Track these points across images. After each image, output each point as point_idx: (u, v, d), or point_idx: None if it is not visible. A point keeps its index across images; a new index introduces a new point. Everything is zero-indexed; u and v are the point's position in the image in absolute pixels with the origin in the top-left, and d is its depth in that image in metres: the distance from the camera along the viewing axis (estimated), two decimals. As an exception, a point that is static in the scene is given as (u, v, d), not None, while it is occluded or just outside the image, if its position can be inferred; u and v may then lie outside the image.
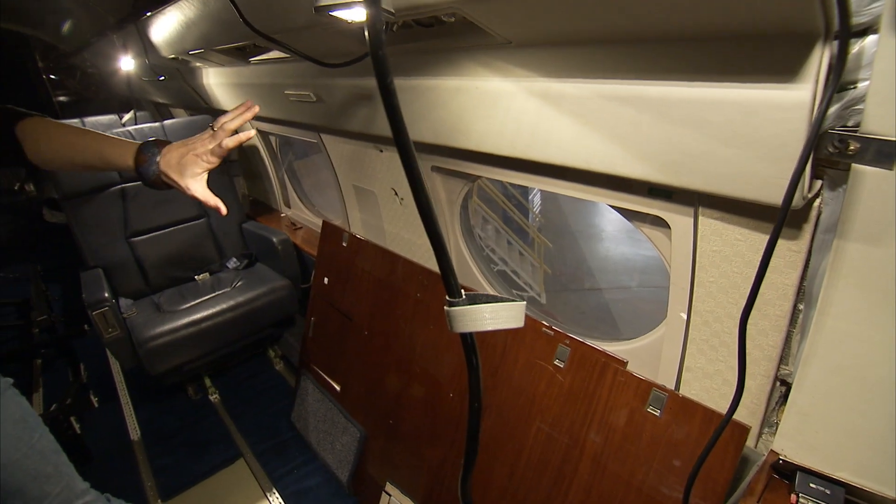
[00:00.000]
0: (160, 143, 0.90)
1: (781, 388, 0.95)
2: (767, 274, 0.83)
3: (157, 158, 0.88)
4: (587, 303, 5.25)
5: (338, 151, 1.97)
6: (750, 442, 0.99)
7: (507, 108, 1.02)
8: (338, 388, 2.03)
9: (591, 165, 0.94)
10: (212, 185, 2.12)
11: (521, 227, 5.43)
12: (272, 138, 2.62)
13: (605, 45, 0.79)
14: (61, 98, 5.80)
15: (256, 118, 2.44)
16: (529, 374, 1.32)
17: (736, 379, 0.70)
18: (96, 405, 2.20)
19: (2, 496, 1.02)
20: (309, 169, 3.26)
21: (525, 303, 0.35)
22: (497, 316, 0.34)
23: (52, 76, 5.73)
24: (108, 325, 2.01)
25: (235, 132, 0.90)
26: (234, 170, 2.67)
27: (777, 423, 0.97)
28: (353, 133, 1.71)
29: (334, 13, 0.66)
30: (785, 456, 0.82)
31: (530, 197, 6.22)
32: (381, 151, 1.68)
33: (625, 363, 1.12)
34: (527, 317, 1.35)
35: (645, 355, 1.20)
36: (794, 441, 0.80)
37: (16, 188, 4.41)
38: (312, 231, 2.56)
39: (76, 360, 2.72)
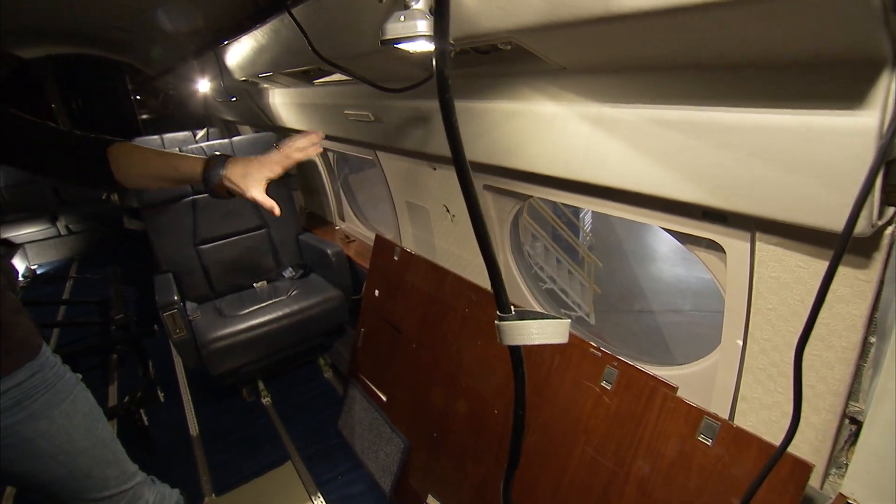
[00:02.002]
0: (227, 157, 1.00)
1: (851, 427, 0.90)
2: (832, 303, 0.80)
3: (222, 168, 0.98)
4: (638, 324, 5.09)
5: (392, 168, 2.05)
6: (815, 482, 0.94)
7: (561, 130, 1.04)
8: (384, 398, 2.08)
9: (643, 188, 0.94)
10: (271, 196, 2.27)
11: (571, 246, 5.35)
12: (330, 154, 2.75)
13: (660, 72, 0.80)
14: (144, 116, 6.33)
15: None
16: (576, 395, 1.31)
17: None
18: (162, 400, 2.36)
19: (75, 479, 1.12)
20: (363, 183, 3.39)
21: (569, 320, 0.37)
22: (543, 331, 0.36)
23: (138, 97, 6.28)
24: (176, 326, 2.16)
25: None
26: (292, 184, 2.82)
27: (846, 463, 0.91)
28: (408, 151, 1.77)
29: (399, 45, 0.71)
30: (855, 500, 0.77)
31: (581, 215, 6.13)
32: (435, 169, 1.73)
33: (675, 388, 1.09)
34: (574, 336, 1.35)
35: (697, 382, 1.16)
36: (865, 484, 0.76)
37: (102, 198, 4.84)
38: (365, 244, 2.65)
39: (146, 357, 2.92)
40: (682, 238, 1.15)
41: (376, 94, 1.55)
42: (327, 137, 2.44)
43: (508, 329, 0.36)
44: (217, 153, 1.03)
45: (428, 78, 0.99)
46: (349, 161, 3.02)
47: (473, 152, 1.36)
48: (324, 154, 2.76)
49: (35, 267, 4.85)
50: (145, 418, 2.43)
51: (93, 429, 1.14)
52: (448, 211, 1.80)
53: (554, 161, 1.11)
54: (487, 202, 1.63)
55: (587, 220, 6.31)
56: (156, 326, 3.27)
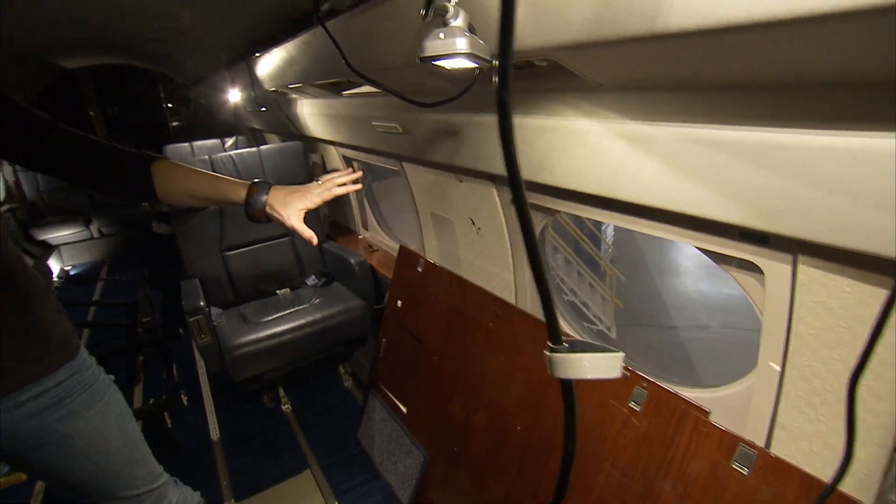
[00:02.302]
0: (270, 184, 1.03)
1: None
2: (884, 332, 0.76)
3: (265, 195, 1.02)
4: (660, 340, 4.98)
5: (418, 179, 2.06)
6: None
7: (594, 147, 1.02)
8: (404, 409, 2.07)
9: (678, 207, 0.92)
10: None
11: (593, 258, 5.29)
12: (355, 164, 2.78)
13: (700, 91, 0.78)
14: (175, 123, 6.51)
15: (342, 144, 2.60)
16: (602, 414, 1.28)
17: (842, 444, 0.64)
18: (186, 403, 2.39)
19: (107, 478, 1.14)
20: (386, 191, 3.41)
21: (622, 354, 0.36)
22: (596, 365, 0.35)
23: (169, 105, 6.46)
24: (201, 331, 2.19)
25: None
26: (318, 192, 2.85)
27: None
28: (435, 163, 1.77)
29: (437, 62, 0.71)
30: (900, 537, 0.73)
31: (603, 227, 6.06)
32: (461, 182, 1.73)
33: (707, 413, 1.05)
34: None
35: (730, 406, 1.13)
36: (911, 521, 0.72)
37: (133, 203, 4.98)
38: (388, 254, 2.66)
39: (170, 360, 2.98)
40: (716, 257, 1.12)
41: (405, 107, 1.56)
42: (353, 147, 2.47)
43: (560, 361, 0.35)
44: (259, 180, 1.06)
45: (462, 93, 0.98)
46: (374, 170, 3.04)
47: (501, 166, 1.36)
48: (349, 163, 2.79)
49: (69, 268, 5.00)
50: (169, 421, 2.46)
51: (124, 429, 1.17)
52: (473, 224, 1.79)
53: (586, 177, 1.09)
54: (514, 216, 1.61)
55: (609, 233, 6.24)
56: (181, 330, 3.33)
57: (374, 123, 1.85)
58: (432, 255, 2.18)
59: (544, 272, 0.36)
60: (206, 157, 2.56)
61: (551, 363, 0.36)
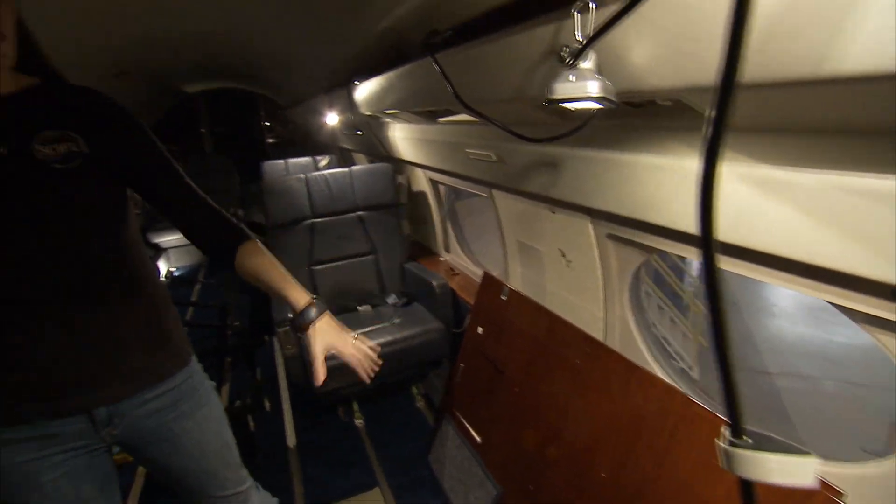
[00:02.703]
0: (325, 310, 1.12)
1: None
2: None
3: (316, 317, 1.09)
4: (751, 386, 4.55)
5: (506, 207, 2.04)
6: None
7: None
8: (479, 439, 2.03)
9: (817, 259, 0.83)
10: (381, 225, 2.38)
11: (676, 291, 4.98)
12: (441, 188, 2.82)
13: (856, 136, 0.70)
14: (270, 140, 7.01)
15: (430, 168, 2.65)
16: (703, 475, 1.18)
17: None
18: (268, 409, 2.50)
19: (206, 476, 1.21)
20: (469, 209, 3.39)
21: (817, 459, 0.31)
22: (786, 469, 0.30)
23: (267, 123, 6.99)
24: (288, 342, 2.29)
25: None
26: (401, 213, 2.92)
27: None
28: (527, 192, 1.75)
29: (565, 104, 0.69)
30: None
31: (687, 259, 5.71)
32: (554, 212, 1.69)
33: (841, 494, 0.93)
34: (703, 410, 1.22)
35: (871, 489, 0.98)
36: None
37: (230, 212, 5.39)
38: (469, 278, 2.66)
39: (255, 365, 3.14)
40: (852, 314, 0.99)
41: (502, 136, 1.55)
42: (440, 171, 2.51)
43: (741, 458, 0.31)
44: (318, 298, 1.12)
45: (577, 129, 0.96)
46: (458, 190, 3.07)
47: (602, 201, 1.31)
48: (434, 186, 2.84)
49: (173, 269, 5.47)
50: (252, 424, 2.59)
51: (221, 432, 1.24)
52: (563, 255, 1.74)
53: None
54: (608, 251, 1.55)
55: (695, 265, 5.86)
56: (266, 337, 3.52)
57: (467, 151, 1.86)
58: (516, 282, 2.15)
59: (728, 346, 0.32)
60: (302, 175, 2.71)
61: (730, 459, 0.32)
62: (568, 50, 0.67)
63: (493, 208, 2.17)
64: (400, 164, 3.01)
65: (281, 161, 4.41)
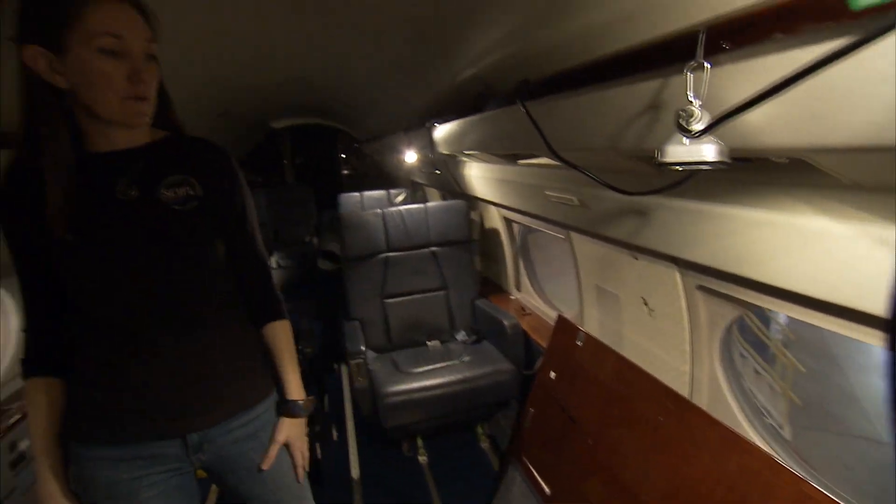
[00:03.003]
0: (307, 413, 1.19)
1: None
2: None
3: (296, 412, 1.17)
4: (855, 454, 4.03)
5: (585, 250, 1.99)
6: None
7: (830, 250, 0.88)
8: (548, 490, 1.94)
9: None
10: (453, 261, 2.40)
11: (761, 338, 4.58)
12: (514, 225, 2.81)
13: None
14: (344, 172, 7.37)
15: (504, 206, 2.66)
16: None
17: None
18: (335, 438, 2.54)
19: None
20: (540, 243, 3.31)
21: None
22: None
23: (342, 155, 7.37)
24: (359, 374, 2.34)
25: None
26: (473, 249, 2.93)
27: None
28: (609, 238, 1.70)
29: (676, 167, 0.67)
30: None
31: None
32: (636, 259, 1.63)
33: None
34: (790, 474, 1.08)
35: None
36: None
37: (305, 240, 5.67)
38: (541, 319, 2.60)
39: (324, 393, 3.22)
40: None
41: (584, 182, 1.54)
42: (515, 210, 2.51)
43: None
44: (307, 401, 1.20)
45: (675, 184, 0.93)
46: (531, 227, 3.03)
47: (697, 253, 1.25)
48: (508, 223, 2.84)
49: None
50: (319, 452, 2.63)
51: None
52: (646, 304, 1.66)
53: (813, 282, 0.94)
54: (697, 302, 1.46)
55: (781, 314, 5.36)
56: (335, 365, 3.61)
57: (547, 193, 1.85)
58: (592, 327, 2.07)
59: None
60: (379, 210, 2.80)
61: None
62: (684, 114, 0.65)
63: (570, 250, 2.13)
64: (473, 201, 3.05)
65: (356, 193, 4.60)
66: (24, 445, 1.94)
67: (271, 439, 1.14)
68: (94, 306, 0.97)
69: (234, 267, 1.13)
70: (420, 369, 2.45)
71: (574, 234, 2.04)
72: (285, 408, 1.16)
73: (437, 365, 2.47)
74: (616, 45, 0.90)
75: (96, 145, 0.93)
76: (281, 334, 1.18)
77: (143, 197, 0.96)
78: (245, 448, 1.13)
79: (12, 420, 1.90)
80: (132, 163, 0.95)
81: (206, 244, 1.04)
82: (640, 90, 0.87)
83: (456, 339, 2.74)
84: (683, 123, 0.64)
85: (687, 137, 0.64)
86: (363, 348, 2.37)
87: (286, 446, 1.17)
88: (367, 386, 2.37)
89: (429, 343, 2.75)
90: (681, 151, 0.64)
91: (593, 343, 1.89)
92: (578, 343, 1.99)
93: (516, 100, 1.24)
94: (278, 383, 1.19)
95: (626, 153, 1.09)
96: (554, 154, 1.16)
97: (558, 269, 3.30)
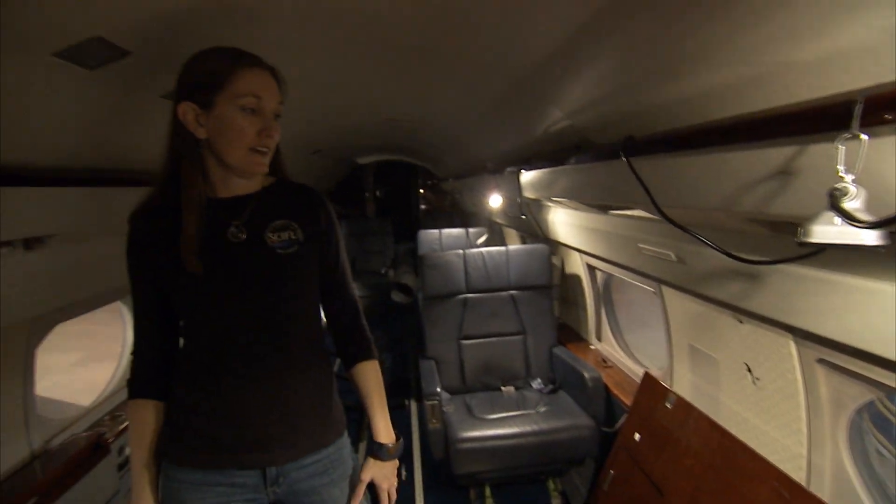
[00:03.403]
0: (396, 457, 1.18)
1: None
2: None
3: (387, 459, 1.16)
4: None
5: (678, 305, 1.89)
6: None
7: None
8: (630, 565, 1.79)
9: None
10: (532, 305, 2.39)
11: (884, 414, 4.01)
12: (598, 273, 2.73)
13: None
14: (422, 207, 7.58)
15: (588, 253, 2.59)
16: None
17: None
18: (404, 479, 2.51)
19: None
20: (620, 287, 3.14)
21: None
22: None
23: (421, 191, 7.60)
24: (433, 415, 2.32)
25: None
26: (553, 294, 2.87)
27: None
28: (709, 297, 1.60)
29: (821, 243, 0.62)
30: None
31: None
32: (741, 322, 1.52)
33: None
34: None
35: None
36: None
37: (382, 272, 5.84)
38: (623, 373, 2.47)
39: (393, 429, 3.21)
40: None
41: (683, 237, 1.47)
42: (602, 258, 2.43)
43: None
44: (398, 446, 1.18)
45: (806, 255, 0.86)
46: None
47: (816, 323, 1.14)
48: (591, 270, 2.76)
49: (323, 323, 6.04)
50: (386, 490, 2.61)
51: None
52: (750, 371, 1.53)
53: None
54: (817, 379, 1.32)
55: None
56: (405, 401, 3.62)
57: (640, 245, 1.79)
58: (682, 389, 1.93)
59: None
60: (460, 251, 2.83)
61: None
62: (838, 192, 0.60)
63: (661, 304, 2.02)
64: (554, 245, 3.00)
65: (435, 231, 4.70)
66: (129, 451, 2.11)
67: (357, 478, 1.16)
68: (201, 337, 1.06)
69: (327, 308, 1.18)
70: (494, 416, 2.39)
71: (666, 289, 1.94)
72: (373, 450, 1.17)
73: (512, 413, 2.40)
74: (740, 109, 0.87)
75: (217, 191, 1.04)
76: (371, 374, 1.20)
77: (251, 240, 1.04)
78: (316, 484, 1.14)
79: (122, 426, 2.08)
80: (244, 208, 1.05)
81: (305, 285, 1.10)
82: (769, 155, 0.82)
83: (531, 387, 2.66)
84: (838, 202, 0.59)
85: (842, 219, 0.59)
86: (438, 389, 2.36)
87: (370, 487, 1.17)
88: (441, 429, 2.34)
89: (503, 388, 2.69)
90: (831, 232, 0.59)
91: (686, 407, 1.76)
92: (668, 405, 1.86)
93: (620, 155, 1.22)
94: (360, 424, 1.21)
95: (742, 216, 1.03)
96: (660, 213, 1.12)
97: (638, 316, 3.13)
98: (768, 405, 1.48)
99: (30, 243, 1.33)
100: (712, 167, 0.98)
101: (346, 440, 1.21)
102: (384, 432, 1.17)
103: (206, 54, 0.97)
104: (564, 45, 1.18)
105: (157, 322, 1.08)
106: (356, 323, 1.21)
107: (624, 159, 1.21)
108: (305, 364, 1.11)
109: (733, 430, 1.53)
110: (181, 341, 1.11)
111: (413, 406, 3.60)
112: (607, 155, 1.41)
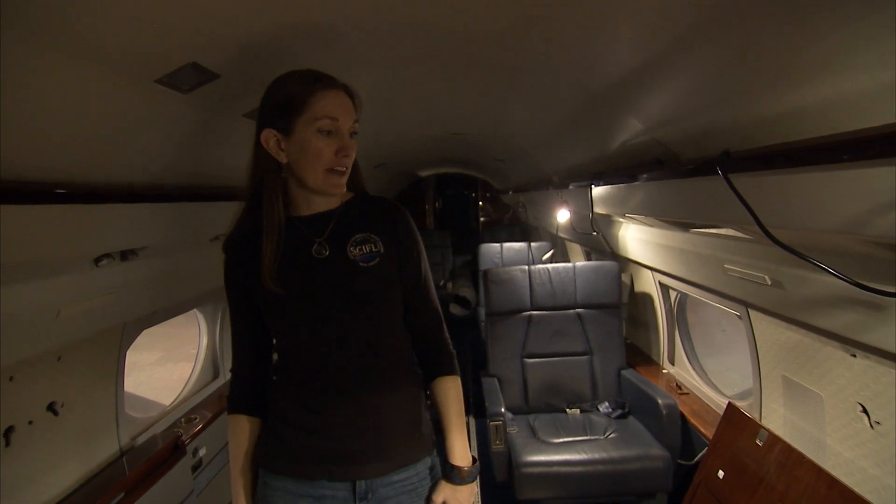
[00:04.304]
0: (468, 484, 1.12)
1: None
2: None
3: (460, 483, 1.11)
4: None
5: (769, 332, 1.72)
6: None
7: None
8: None
9: None
10: (600, 325, 2.61)
11: None
12: (672, 293, 2.57)
13: None
14: (482, 218, 7.56)
15: (661, 271, 2.44)
16: None
17: None
18: (478, 504, 2.44)
19: None
20: (692, 306, 2.92)
21: None
22: None
23: (481, 203, 7.58)
24: (497, 436, 2.25)
25: None
26: (622, 314, 2.72)
27: None
28: (811, 326, 1.45)
29: None
30: None
31: None
32: (853, 356, 1.35)
33: None
34: None
35: None
36: None
37: (441, 283, 5.85)
38: (701, 401, 2.30)
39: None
40: None
41: (782, 259, 1.33)
42: (678, 278, 2.28)
43: None
44: (474, 469, 1.12)
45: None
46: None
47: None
48: (664, 290, 2.60)
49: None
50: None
51: None
52: (865, 413, 1.35)
53: None
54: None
55: None
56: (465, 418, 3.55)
57: (726, 266, 1.65)
58: (773, 424, 1.75)
59: None
60: (525, 267, 2.76)
61: None
62: None
63: (747, 329, 1.86)
64: (623, 262, 2.86)
65: (496, 245, 4.64)
66: (202, 453, 2.20)
67: (429, 498, 1.12)
68: (295, 353, 1.08)
69: (409, 320, 1.16)
70: (559, 440, 2.28)
71: (756, 314, 1.78)
72: (446, 472, 1.12)
73: (579, 438, 2.28)
74: (876, 120, 0.76)
75: (299, 210, 1.07)
76: (451, 391, 1.16)
77: (334, 255, 1.06)
78: (403, 500, 1.12)
79: (197, 428, 2.17)
80: (326, 224, 1.07)
81: (389, 297, 1.10)
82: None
83: (598, 411, 2.52)
84: None
85: None
86: (503, 410, 2.28)
87: None
88: (505, 451, 2.26)
89: (568, 411, 2.57)
90: None
91: (781, 448, 1.59)
92: (758, 442, 1.70)
93: (716, 170, 1.12)
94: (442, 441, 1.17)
95: (871, 239, 0.91)
96: (767, 234, 1.02)
97: (700, 337, 2.88)
98: (892, 454, 1.29)
99: (125, 255, 1.42)
100: (837, 185, 0.87)
101: (435, 459, 1.18)
102: (460, 453, 1.12)
103: (284, 80, 1.00)
104: (653, 57, 1.11)
105: (253, 343, 1.12)
106: (439, 336, 1.18)
107: (720, 175, 1.11)
108: (395, 377, 1.10)
109: (846, 481, 1.35)
110: (275, 356, 1.15)
111: (472, 422, 3.53)
112: (696, 170, 1.31)
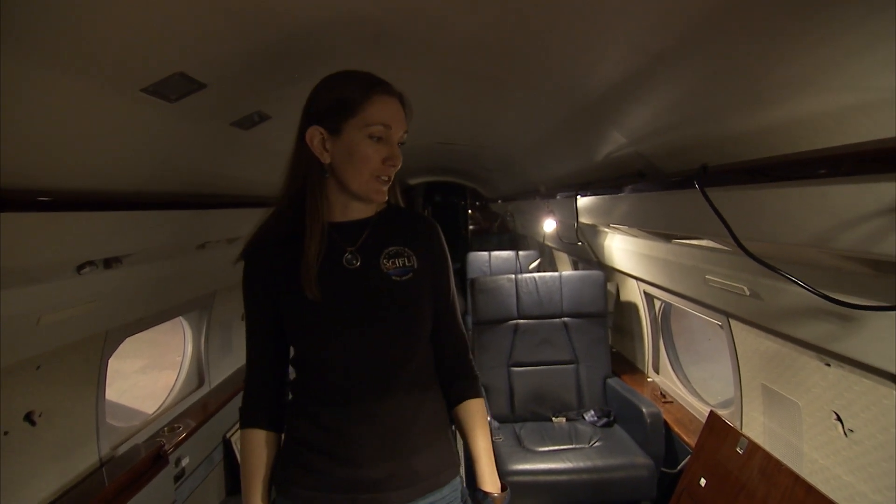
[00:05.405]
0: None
1: None
2: None
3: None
4: None
5: (749, 341, 1.75)
6: None
7: None
8: None
9: None
10: (585, 334, 2.70)
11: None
12: (657, 302, 2.60)
13: None
14: (470, 227, 7.59)
15: (646, 281, 2.48)
16: None
17: None
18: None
19: None
20: (676, 315, 2.96)
21: None
22: None
23: (469, 211, 7.61)
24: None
25: None
26: (607, 322, 2.75)
27: None
28: (789, 336, 1.48)
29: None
30: None
31: None
32: (829, 365, 1.38)
33: None
34: None
35: None
36: None
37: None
38: (685, 409, 2.32)
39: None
40: None
41: (758, 270, 1.36)
42: (662, 288, 2.32)
43: None
44: (504, 497, 1.06)
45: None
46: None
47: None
48: (649, 299, 2.63)
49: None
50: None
51: None
52: (839, 421, 1.38)
53: None
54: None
55: None
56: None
57: (707, 277, 1.68)
58: (753, 432, 1.78)
59: None
60: (512, 276, 2.78)
61: None
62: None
63: (727, 338, 1.89)
64: (609, 271, 2.90)
65: (484, 253, 4.66)
66: (185, 462, 2.17)
67: None
68: (316, 366, 1.01)
69: (437, 339, 1.10)
70: (545, 448, 2.29)
71: (736, 324, 1.81)
72: (478, 499, 1.06)
73: (564, 446, 2.29)
74: (844, 139, 0.79)
75: (333, 215, 1.01)
76: (478, 414, 1.11)
77: (366, 266, 1.01)
78: None
79: (179, 437, 2.14)
80: (359, 233, 1.03)
81: (420, 313, 1.05)
82: (880, 190, 0.75)
83: (584, 419, 2.54)
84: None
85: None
86: (489, 418, 2.28)
87: None
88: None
89: (554, 419, 2.58)
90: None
91: (761, 455, 1.62)
92: (738, 450, 1.72)
93: (693, 184, 1.15)
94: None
95: (838, 253, 0.94)
96: (740, 246, 1.05)
97: (685, 346, 2.92)
98: (865, 462, 1.32)
99: (109, 262, 1.41)
100: (807, 200, 0.90)
101: (459, 479, 1.12)
102: (490, 479, 1.07)
103: (338, 79, 0.96)
104: (637, 72, 1.14)
105: (270, 355, 1.06)
106: (465, 358, 1.14)
107: (697, 189, 1.14)
108: (422, 398, 1.05)
109: (822, 488, 1.38)
110: (291, 372, 1.08)
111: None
112: (676, 183, 1.35)
